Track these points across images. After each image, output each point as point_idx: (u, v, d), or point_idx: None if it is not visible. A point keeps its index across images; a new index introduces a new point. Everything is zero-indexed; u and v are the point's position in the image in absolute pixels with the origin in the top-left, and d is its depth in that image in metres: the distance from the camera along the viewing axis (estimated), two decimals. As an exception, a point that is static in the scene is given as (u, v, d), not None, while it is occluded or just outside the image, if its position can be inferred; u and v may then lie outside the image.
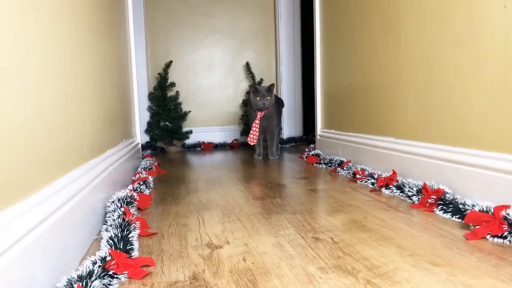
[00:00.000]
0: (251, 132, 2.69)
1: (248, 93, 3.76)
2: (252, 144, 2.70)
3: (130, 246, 1.00)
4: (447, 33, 1.46)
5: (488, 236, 1.05)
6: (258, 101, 2.58)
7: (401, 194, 1.53)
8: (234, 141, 3.70)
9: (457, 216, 1.22)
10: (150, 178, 1.95)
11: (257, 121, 2.66)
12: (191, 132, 3.59)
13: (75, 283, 0.78)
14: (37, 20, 0.89)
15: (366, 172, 1.88)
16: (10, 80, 0.73)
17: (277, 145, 2.85)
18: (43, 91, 0.90)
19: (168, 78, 3.53)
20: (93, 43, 1.44)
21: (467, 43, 1.36)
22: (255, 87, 2.61)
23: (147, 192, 1.68)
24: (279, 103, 2.90)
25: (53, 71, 0.97)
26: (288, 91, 3.80)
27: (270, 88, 2.61)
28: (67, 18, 1.12)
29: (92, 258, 0.90)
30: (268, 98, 2.57)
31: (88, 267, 0.84)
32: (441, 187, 1.38)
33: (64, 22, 1.09)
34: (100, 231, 1.21)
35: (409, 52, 1.71)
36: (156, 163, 2.53)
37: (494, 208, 1.09)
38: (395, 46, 1.81)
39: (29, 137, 0.80)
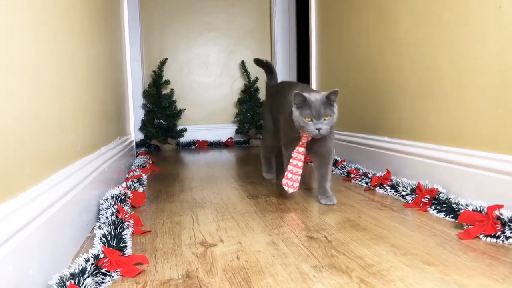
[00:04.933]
0: (290, 169, 1.47)
1: (243, 91, 3.75)
2: (292, 191, 1.48)
3: (123, 244, 0.99)
4: (442, 34, 1.46)
5: (481, 236, 1.05)
6: (309, 124, 1.36)
7: (395, 193, 1.53)
8: (229, 140, 3.69)
9: (450, 216, 1.22)
10: (144, 176, 1.94)
11: (301, 149, 1.46)
12: (185, 130, 3.58)
13: (67, 281, 0.77)
14: (30, 15, 0.88)
15: (361, 171, 1.89)
16: (4, 76, 0.72)
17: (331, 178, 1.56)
18: (37, 87, 0.89)
19: (163, 76, 3.52)
20: (87, 39, 1.43)
21: (462, 43, 1.37)
22: (303, 97, 1.36)
23: (141, 190, 1.67)
24: None
25: (47, 67, 0.96)
26: (283, 90, 3.80)
27: (330, 98, 1.38)
28: (61, 14, 1.11)
29: (85, 255, 0.89)
30: (328, 117, 1.37)
31: (81, 265, 0.84)
32: (435, 186, 1.38)
33: (58, 18, 1.08)
34: (93, 228, 1.21)
35: (404, 52, 1.71)
36: (150, 161, 2.52)
37: (488, 208, 1.10)
38: (390, 46, 1.81)
39: (22, 133, 0.79)
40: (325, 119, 1.36)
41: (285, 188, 1.48)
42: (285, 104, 1.55)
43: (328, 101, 1.37)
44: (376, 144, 1.93)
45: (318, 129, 1.35)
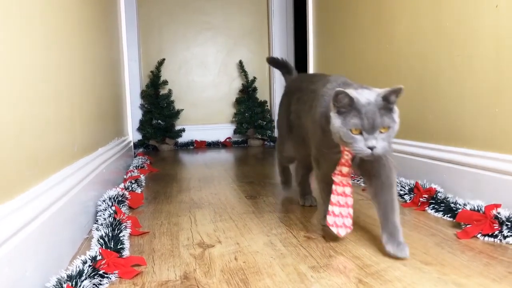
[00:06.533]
0: (335, 200, 1.04)
1: (242, 91, 3.74)
2: (344, 233, 1.04)
3: (121, 246, 0.99)
4: (440, 33, 1.46)
5: (479, 235, 1.06)
6: (356, 140, 0.92)
7: (393, 193, 1.53)
8: (227, 140, 3.69)
9: (448, 215, 1.23)
10: (142, 177, 1.94)
11: (345, 170, 1.03)
12: (183, 130, 3.57)
13: (64, 283, 0.77)
14: (26, 15, 0.87)
15: (359, 171, 1.88)
16: (0, 78, 0.72)
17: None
18: (33, 88, 0.89)
19: (160, 76, 3.52)
20: (84, 39, 1.43)
21: (460, 42, 1.37)
22: (349, 99, 0.93)
23: (138, 190, 1.67)
24: None
25: (43, 67, 0.96)
26: (282, 89, 3.79)
27: (389, 99, 0.93)
28: (57, 14, 1.11)
29: (83, 257, 0.89)
30: (385, 130, 0.93)
31: (78, 267, 0.84)
32: (433, 186, 1.38)
33: (54, 18, 1.08)
34: (91, 230, 1.20)
35: (402, 51, 1.71)
36: (148, 162, 2.52)
37: (485, 207, 1.10)
38: (387, 45, 1.81)
39: (19, 135, 0.79)
40: (381, 132, 0.92)
41: (334, 230, 1.02)
42: (314, 103, 1.13)
43: (386, 105, 0.93)
44: (374, 143, 1.93)
45: (371, 148, 0.91)
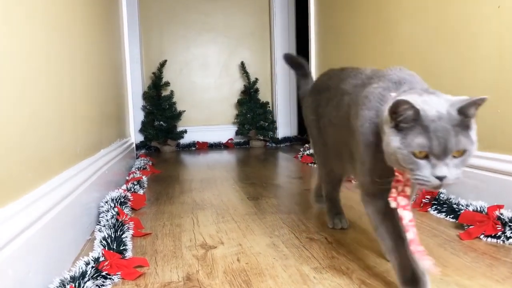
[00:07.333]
0: (413, 236, 0.76)
1: (243, 92, 3.74)
2: (432, 268, 0.73)
3: (124, 247, 0.99)
4: (441, 33, 1.46)
5: (482, 236, 1.05)
6: (421, 166, 0.69)
7: (396, 194, 1.53)
8: (229, 141, 3.69)
9: (451, 216, 1.22)
10: (144, 178, 1.94)
11: (409, 191, 0.78)
12: (185, 131, 3.57)
13: (67, 284, 0.77)
14: (28, 16, 0.88)
15: (361, 172, 1.88)
16: (3, 80, 0.72)
17: None
18: (36, 90, 0.89)
19: (162, 77, 3.52)
20: (86, 41, 1.43)
21: (462, 43, 1.37)
22: (414, 111, 0.69)
23: (141, 192, 1.67)
24: None
25: (45, 69, 0.96)
26: (283, 90, 3.80)
27: (467, 113, 0.70)
28: (60, 15, 1.11)
29: (85, 258, 0.89)
30: (458, 154, 0.69)
31: (81, 268, 0.84)
32: (435, 187, 1.38)
33: (57, 20, 1.08)
34: (93, 231, 1.20)
35: (403, 52, 1.71)
36: (150, 163, 2.52)
37: (488, 208, 1.10)
38: (389, 46, 1.81)
39: (22, 136, 0.79)
40: (454, 157, 0.69)
41: (430, 268, 0.74)
42: (352, 109, 0.91)
43: (463, 120, 0.70)
44: (376, 144, 1.93)
45: (441, 178, 0.69)
